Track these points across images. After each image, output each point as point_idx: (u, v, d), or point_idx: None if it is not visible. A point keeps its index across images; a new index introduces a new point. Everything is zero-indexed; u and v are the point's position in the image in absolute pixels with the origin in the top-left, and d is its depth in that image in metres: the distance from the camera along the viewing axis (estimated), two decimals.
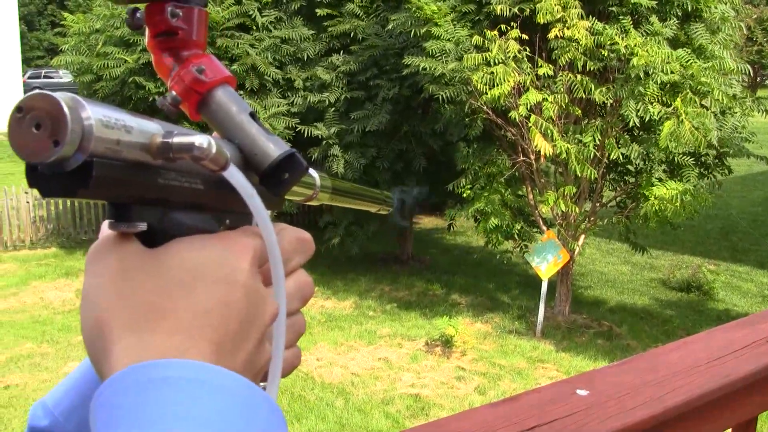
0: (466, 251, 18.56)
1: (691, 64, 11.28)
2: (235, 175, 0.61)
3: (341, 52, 15.52)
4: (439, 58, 12.23)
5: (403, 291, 15.09)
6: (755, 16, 41.54)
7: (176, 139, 0.56)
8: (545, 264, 12.23)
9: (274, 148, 0.67)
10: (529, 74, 11.67)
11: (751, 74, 13.24)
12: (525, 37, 11.58)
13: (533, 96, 11.39)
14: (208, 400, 0.51)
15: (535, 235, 13.53)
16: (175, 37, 0.65)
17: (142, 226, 0.59)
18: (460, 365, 11.40)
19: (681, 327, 13.74)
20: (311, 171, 0.77)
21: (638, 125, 11.71)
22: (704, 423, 1.61)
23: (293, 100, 15.29)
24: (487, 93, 11.36)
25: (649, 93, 11.22)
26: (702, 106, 11.56)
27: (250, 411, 0.53)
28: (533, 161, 12.54)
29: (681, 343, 1.79)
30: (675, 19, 11.83)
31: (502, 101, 11.48)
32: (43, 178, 0.52)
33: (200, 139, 0.56)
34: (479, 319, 13.49)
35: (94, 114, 0.51)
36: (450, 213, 14.68)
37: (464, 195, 13.11)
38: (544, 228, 13.01)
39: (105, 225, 0.61)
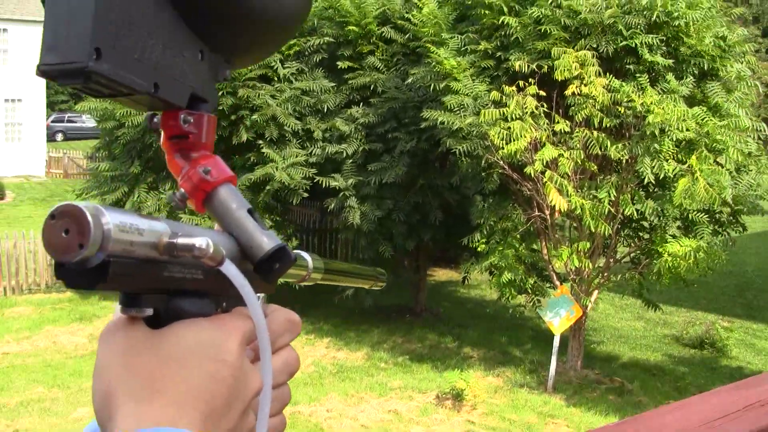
0: (479, 304, 18.56)
1: (706, 122, 11.36)
2: (229, 269, 0.69)
3: (361, 104, 15.67)
4: (457, 112, 12.34)
5: (415, 343, 15.09)
6: None
7: (180, 240, 0.65)
8: (558, 319, 12.24)
9: (267, 241, 0.75)
10: (545, 130, 11.77)
11: None
12: (542, 93, 11.69)
13: (549, 152, 11.47)
14: None
15: (548, 290, 13.55)
16: (186, 140, 0.74)
17: (149, 312, 0.68)
18: (470, 419, 11.38)
19: (693, 384, 13.68)
20: (305, 254, 0.84)
21: (653, 182, 11.76)
22: None
23: (311, 151, 15.41)
24: (503, 148, 11.46)
25: (664, 150, 11.29)
26: (717, 163, 11.62)
27: None
28: (548, 216, 12.59)
29: (677, 405, 1.84)
30: (691, 77, 11.92)
31: (518, 156, 11.58)
32: (69, 272, 0.61)
33: (200, 241, 0.65)
34: (491, 373, 13.48)
35: (113, 220, 0.59)
36: (465, 267, 14.74)
37: (479, 249, 13.16)
38: (558, 283, 13.02)
39: (117, 308, 0.69)
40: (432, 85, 13.05)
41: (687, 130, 11.20)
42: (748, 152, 12.15)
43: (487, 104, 12.07)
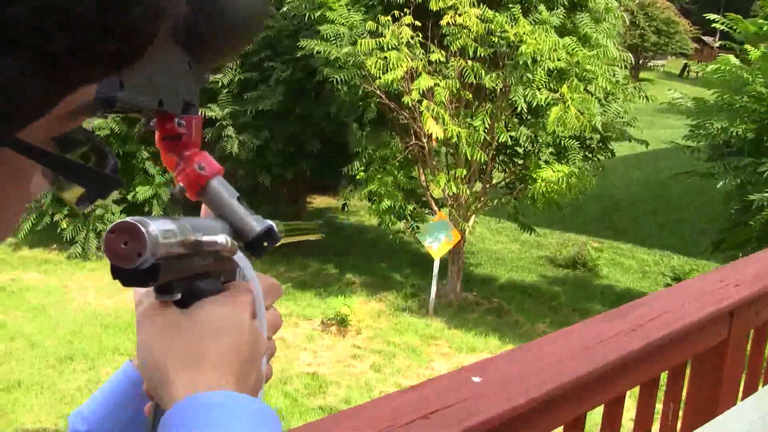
0: (359, 231, 18.73)
1: (576, 51, 11.70)
2: (241, 258, 0.86)
3: None
4: (334, 41, 12.37)
5: (297, 271, 15.21)
6: (637, 1, 42.66)
7: (205, 238, 0.81)
8: (437, 243, 12.52)
9: (256, 224, 0.91)
10: (421, 60, 11.92)
11: (632, 61, 13.81)
12: (418, 23, 11.80)
13: (425, 81, 11.64)
14: (238, 416, 0.77)
15: (426, 216, 13.81)
16: (180, 140, 0.88)
17: (178, 296, 0.83)
18: (356, 343, 11.64)
19: (567, 303, 14.20)
20: (272, 223, 1.00)
21: (526, 110, 12.08)
22: (579, 402, 1.88)
23: None
24: (380, 77, 11.56)
25: (536, 79, 11.60)
26: (587, 92, 12.00)
27: (262, 420, 0.79)
28: (425, 144, 12.81)
29: (559, 334, 2.06)
30: (562, 8, 12.25)
31: (395, 86, 11.70)
32: (124, 273, 0.75)
33: (221, 238, 0.81)
34: (373, 298, 13.73)
35: (157, 227, 0.74)
36: (344, 194, 14.90)
37: (358, 177, 13.32)
38: (436, 209, 13.29)
39: (140, 291, 0.87)
40: (307, 14, 13.01)
41: (558, 59, 11.53)
42: (616, 81, 12.60)
43: (363, 34, 12.13)
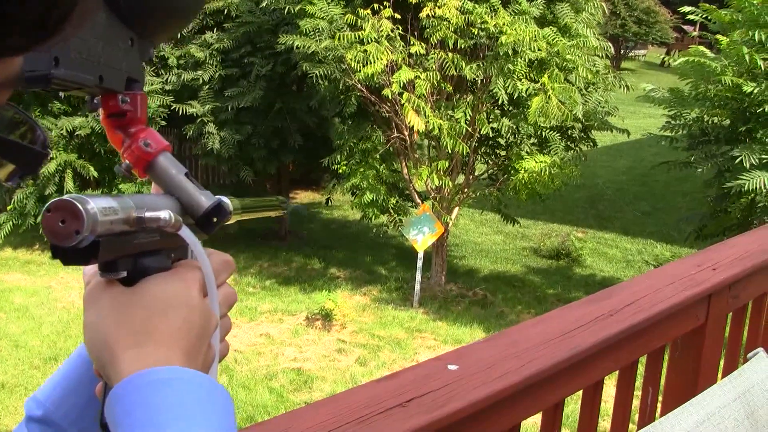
0: (343, 225, 18.76)
1: (557, 42, 11.72)
2: (186, 233, 0.85)
3: (215, 29, 15.51)
4: (313, 36, 12.35)
5: (282, 266, 15.21)
6: None
7: (147, 214, 0.80)
8: (421, 236, 12.53)
9: (204, 200, 0.91)
10: (401, 52, 11.91)
11: (612, 51, 13.84)
12: (397, 16, 11.79)
13: (406, 74, 11.63)
14: (187, 392, 0.77)
15: (410, 209, 13.82)
16: (125, 117, 0.87)
17: (123, 274, 0.83)
18: (341, 338, 11.64)
19: (551, 293, 14.25)
20: (225, 199, 0.99)
21: (507, 101, 12.09)
22: (557, 388, 1.88)
23: (167, 78, 15.25)
24: (360, 71, 11.55)
25: (517, 70, 11.61)
26: (567, 81, 12.03)
27: (212, 396, 0.79)
28: (407, 137, 12.81)
29: (538, 320, 2.06)
30: None
31: (375, 79, 11.69)
32: (64, 252, 0.75)
33: (164, 214, 0.81)
34: (358, 292, 13.73)
35: (96, 205, 0.74)
36: (327, 188, 14.89)
37: (340, 171, 13.31)
38: (419, 202, 13.31)
39: (89, 271, 0.87)
40: (287, 8, 13.00)
41: (538, 50, 11.54)
42: (596, 70, 12.63)
43: (342, 27, 12.11)
